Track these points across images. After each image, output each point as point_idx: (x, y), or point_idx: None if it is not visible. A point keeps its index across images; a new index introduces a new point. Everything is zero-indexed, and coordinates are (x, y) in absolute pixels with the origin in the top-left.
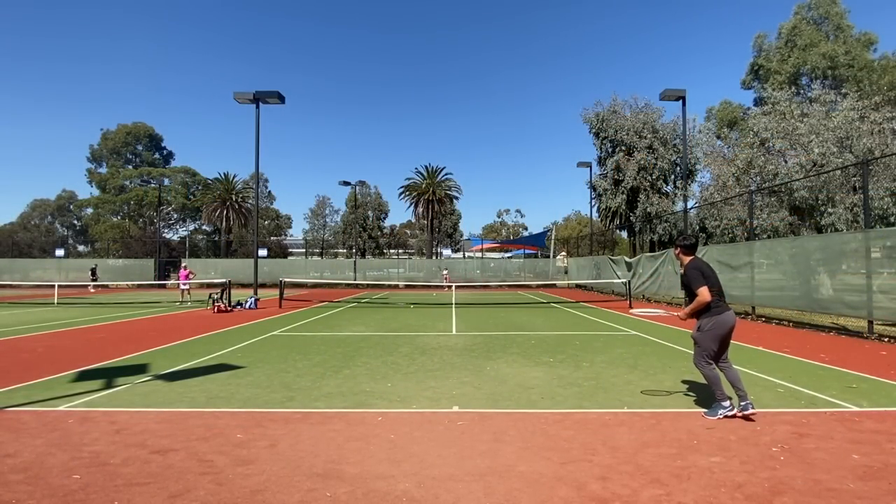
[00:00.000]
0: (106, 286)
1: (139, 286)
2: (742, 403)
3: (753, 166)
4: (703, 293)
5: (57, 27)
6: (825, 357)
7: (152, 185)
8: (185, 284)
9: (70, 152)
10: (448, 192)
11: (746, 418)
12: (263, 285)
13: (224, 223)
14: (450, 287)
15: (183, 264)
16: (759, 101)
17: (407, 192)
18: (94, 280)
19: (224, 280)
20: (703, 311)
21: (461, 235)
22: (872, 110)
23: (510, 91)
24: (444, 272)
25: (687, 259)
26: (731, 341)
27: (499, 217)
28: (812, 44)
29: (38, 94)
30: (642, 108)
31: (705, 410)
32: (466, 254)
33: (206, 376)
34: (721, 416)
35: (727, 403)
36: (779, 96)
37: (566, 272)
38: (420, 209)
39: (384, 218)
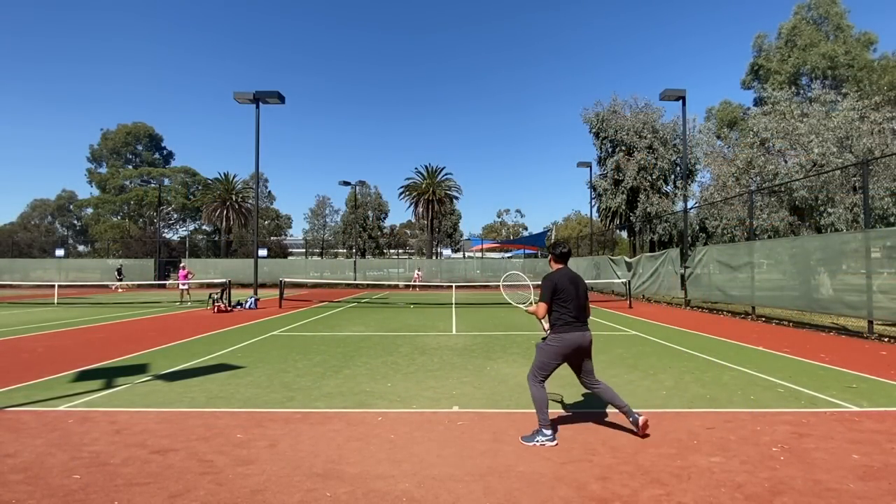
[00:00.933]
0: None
1: (139, 286)
2: (631, 419)
3: (753, 166)
4: (539, 309)
5: (57, 27)
6: (825, 357)
7: (152, 185)
8: (184, 284)
9: (70, 152)
10: (448, 192)
11: (642, 434)
12: (263, 285)
13: (224, 223)
14: (416, 287)
15: (181, 264)
16: (759, 101)
17: (407, 192)
18: (120, 280)
19: (224, 280)
20: (552, 324)
21: (461, 235)
22: (872, 110)
23: (510, 91)
24: (417, 272)
25: (555, 267)
26: (730, 341)
27: (499, 217)
28: (812, 44)
29: (38, 94)
30: (642, 108)
31: (523, 436)
32: (466, 254)
33: (206, 376)
34: (537, 444)
35: (548, 432)
36: (779, 96)
37: None
38: (420, 209)
39: (384, 218)
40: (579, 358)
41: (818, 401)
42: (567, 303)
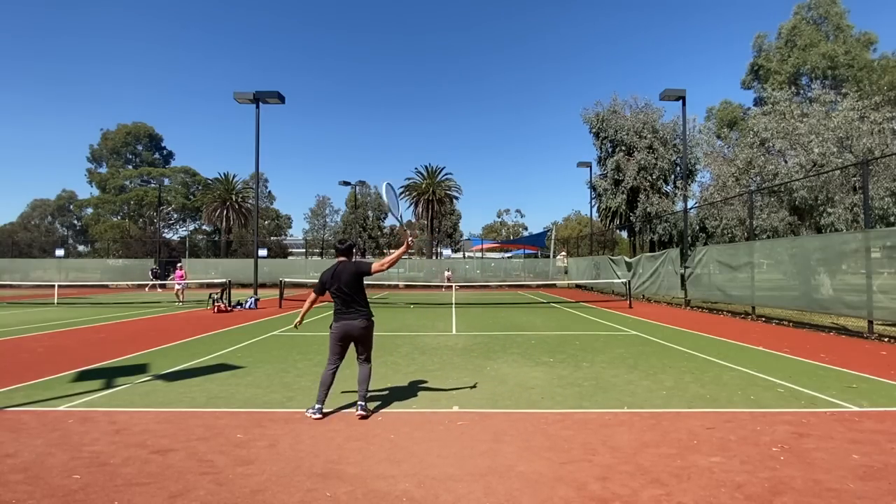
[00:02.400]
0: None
1: (139, 286)
2: (359, 403)
3: (753, 166)
4: (310, 294)
5: (57, 27)
6: (825, 357)
7: (152, 185)
8: (179, 284)
9: (70, 152)
10: (448, 192)
11: (363, 417)
12: (263, 285)
13: (224, 223)
14: (449, 287)
15: (178, 264)
16: (759, 101)
17: (407, 192)
18: (155, 279)
19: (224, 280)
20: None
21: (461, 235)
22: (872, 110)
23: (510, 91)
24: (447, 272)
25: (335, 260)
26: (730, 341)
27: (499, 217)
28: (812, 44)
29: (38, 94)
30: (642, 108)
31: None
32: (466, 254)
33: (206, 376)
34: (308, 415)
35: (317, 406)
36: (779, 96)
37: (566, 272)
38: (420, 209)
39: (384, 218)
40: (354, 342)
41: (818, 401)
42: (334, 295)
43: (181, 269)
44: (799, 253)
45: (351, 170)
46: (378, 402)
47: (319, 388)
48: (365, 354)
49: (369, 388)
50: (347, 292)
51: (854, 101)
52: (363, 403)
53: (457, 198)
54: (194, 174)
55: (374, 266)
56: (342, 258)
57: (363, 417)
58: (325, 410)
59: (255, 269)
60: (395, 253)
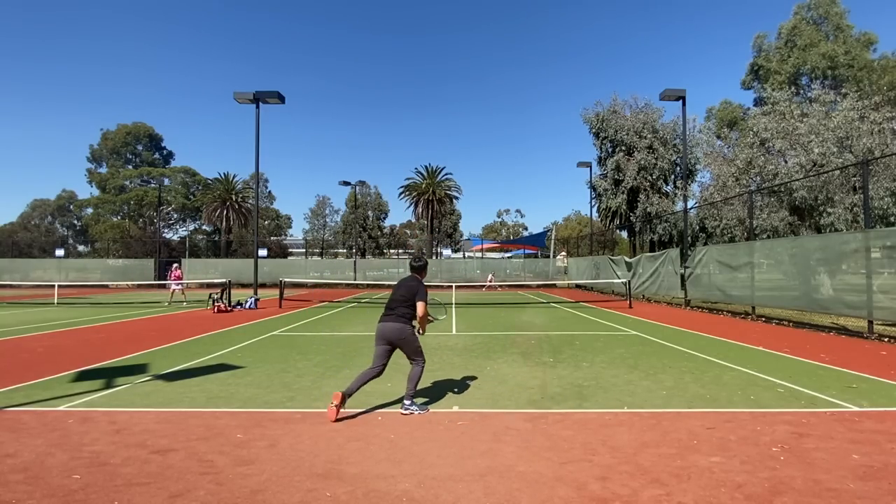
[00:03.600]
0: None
1: (139, 286)
2: (404, 402)
3: (753, 166)
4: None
5: (57, 27)
6: (825, 357)
7: (152, 185)
8: (177, 285)
9: (70, 152)
10: (448, 192)
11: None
12: (263, 285)
13: (224, 223)
14: (496, 287)
15: (174, 265)
16: (759, 102)
17: (407, 192)
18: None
19: (224, 280)
20: None
21: (461, 235)
22: (872, 110)
23: (510, 91)
24: (490, 275)
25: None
26: (730, 341)
27: (499, 217)
28: (812, 44)
29: (38, 94)
30: (642, 108)
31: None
32: (466, 254)
33: (206, 376)
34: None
35: (334, 401)
36: (779, 96)
37: (566, 272)
38: (420, 209)
39: (384, 218)
40: (388, 342)
41: (818, 401)
42: (390, 299)
43: (178, 270)
44: (799, 253)
45: (351, 170)
46: (378, 403)
47: (355, 382)
48: (408, 357)
49: (416, 388)
50: (398, 298)
51: (854, 101)
52: (408, 402)
53: (457, 198)
54: (194, 174)
55: (420, 307)
56: (414, 274)
57: (408, 415)
58: (342, 408)
59: (255, 269)
60: (420, 321)
